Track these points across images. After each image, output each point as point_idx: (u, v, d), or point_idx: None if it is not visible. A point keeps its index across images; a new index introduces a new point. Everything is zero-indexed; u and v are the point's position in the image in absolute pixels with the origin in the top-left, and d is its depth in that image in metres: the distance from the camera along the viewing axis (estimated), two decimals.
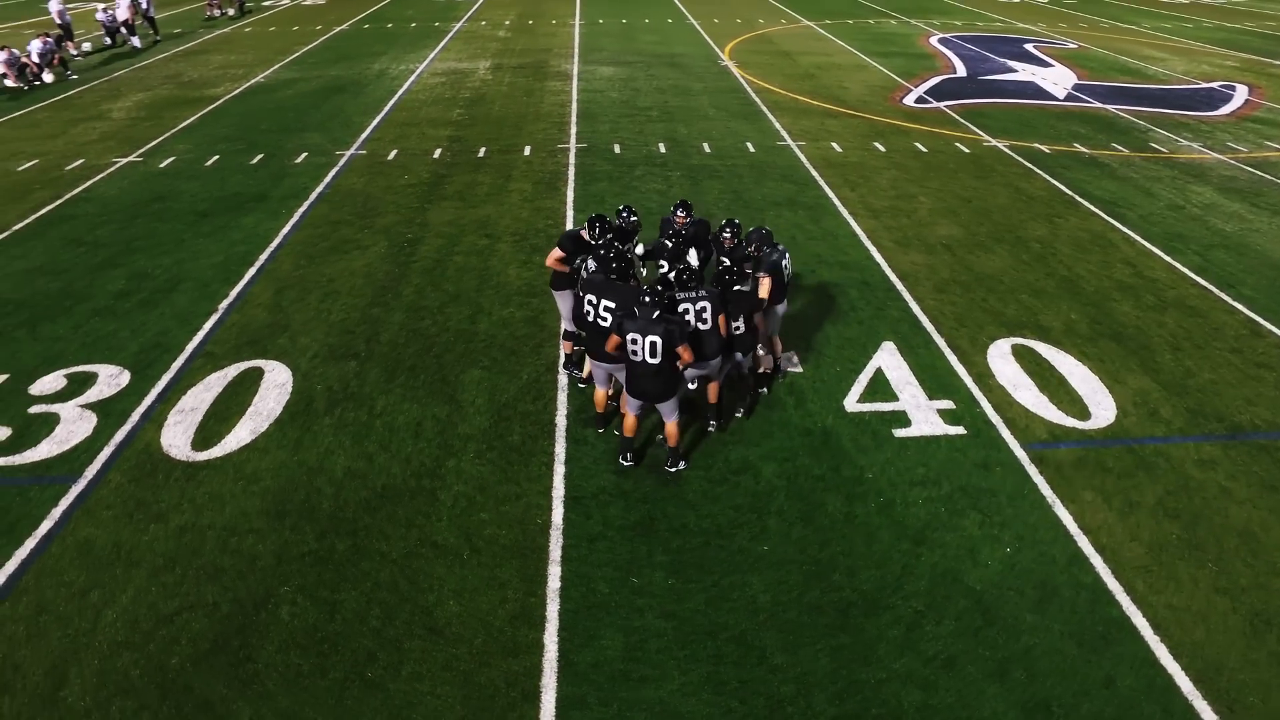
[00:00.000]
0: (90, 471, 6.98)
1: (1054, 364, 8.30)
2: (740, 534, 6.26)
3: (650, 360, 6.40)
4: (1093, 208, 12.13)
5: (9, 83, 19.28)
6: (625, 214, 7.87)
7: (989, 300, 9.47)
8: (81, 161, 14.34)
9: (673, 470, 6.90)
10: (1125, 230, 11.39)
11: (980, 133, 15.47)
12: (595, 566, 5.98)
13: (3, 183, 13.45)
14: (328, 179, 13.29)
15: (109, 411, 7.79)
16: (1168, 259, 10.59)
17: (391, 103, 17.51)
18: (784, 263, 7.46)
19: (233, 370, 8.40)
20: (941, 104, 17.30)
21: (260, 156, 14.36)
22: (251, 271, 10.34)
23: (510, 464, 6.98)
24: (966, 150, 14.47)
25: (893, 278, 9.97)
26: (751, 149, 14.41)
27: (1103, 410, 7.60)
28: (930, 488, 6.66)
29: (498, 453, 7.11)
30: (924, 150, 14.40)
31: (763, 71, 19.76)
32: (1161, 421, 7.47)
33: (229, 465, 7.05)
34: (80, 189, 13.15)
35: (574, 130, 15.46)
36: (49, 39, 20.19)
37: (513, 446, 7.18)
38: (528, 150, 14.43)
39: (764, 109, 16.70)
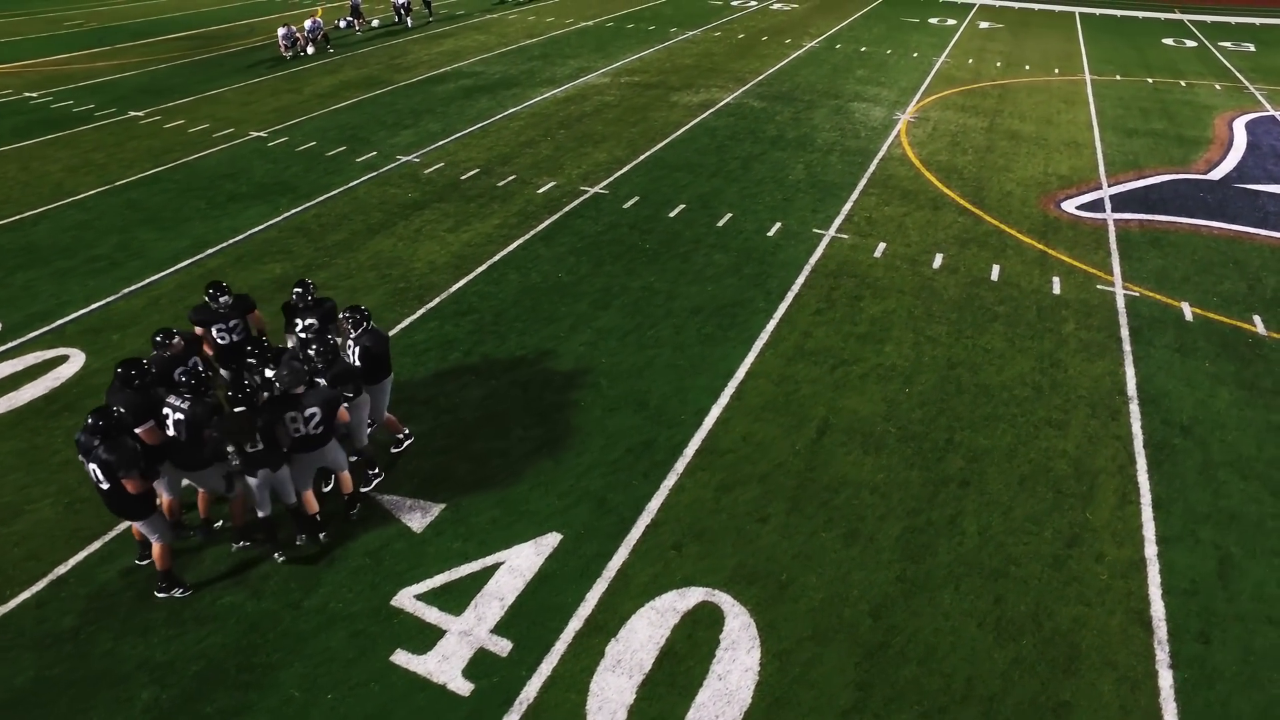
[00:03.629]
0: None
1: (721, 649, 5.72)
2: (104, 701, 5.48)
3: (100, 485, 5.87)
4: (1136, 424, 7.91)
5: (284, 53, 23.65)
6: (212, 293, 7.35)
7: (751, 518, 6.79)
8: (230, 131, 17.14)
9: (160, 595, 6.29)
10: (1141, 474, 7.24)
11: (1114, 269, 10.93)
12: None
13: (169, 140, 16.66)
14: (353, 183, 14.14)
15: None
16: (1154, 530, 6.52)
17: (508, 111, 17.91)
18: (290, 416, 6.28)
19: (52, 353, 9.51)
20: (1116, 215, 12.56)
21: (341, 150, 15.77)
22: (186, 263, 11.50)
23: (75, 525, 6.93)
24: (1055, 291, 10.35)
25: (691, 451, 7.65)
26: (773, 231, 12.00)
27: None
28: None
29: (78, 506, 7.09)
30: (990, 279, 10.65)
31: (931, 134, 16.20)
32: None
33: None
34: (199, 155, 15.75)
35: (621, 172, 14.33)
36: (318, 20, 24.27)
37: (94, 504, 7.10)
38: (547, 186, 13.76)
39: (862, 183, 13.73)
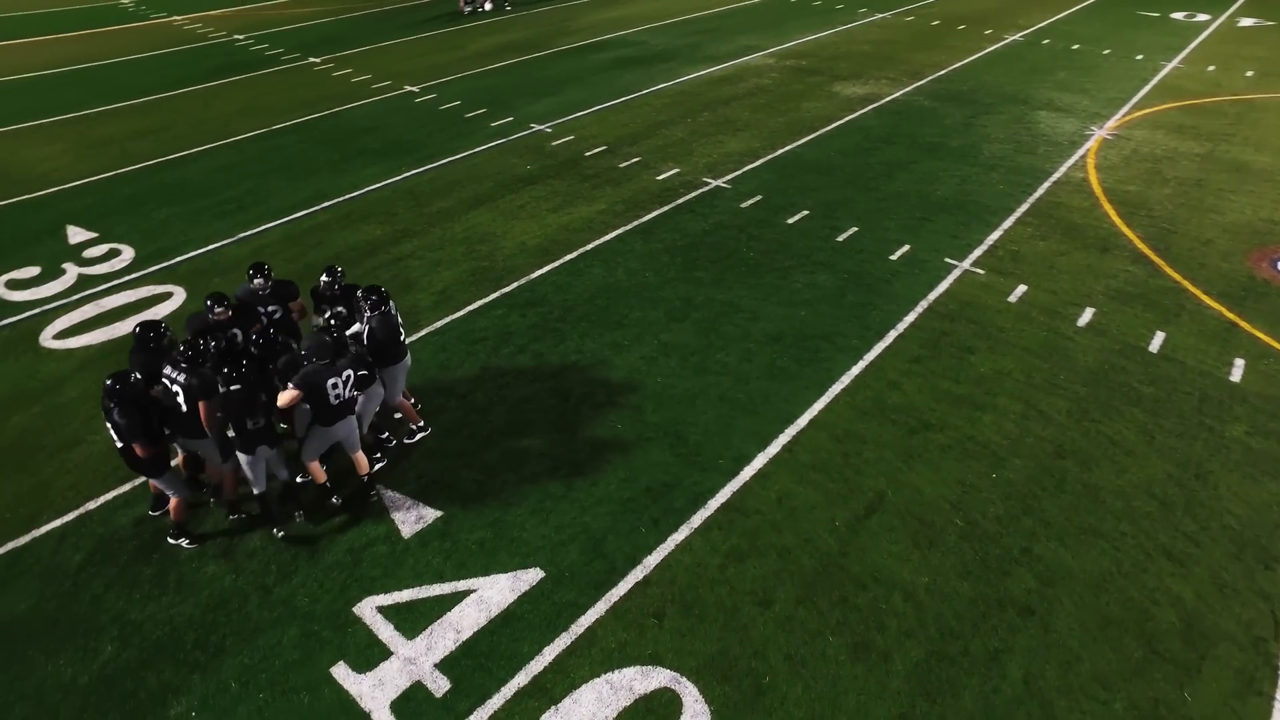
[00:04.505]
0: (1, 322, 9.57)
1: None
2: (72, 648, 5.72)
3: (117, 445, 6.28)
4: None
5: (463, 8, 24.33)
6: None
7: (752, 599, 5.92)
8: (387, 83, 17.82)
9: (170, 541, 6.64)
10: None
11: None
12: None
13: (331, 89, 17.58)
14: (478, 149, 14.19)
15: (81, 282, 10.35)
16: None
17: (656, 87, 17.27)
18: (331, 382, 6.29)
19: (161, 289, 10.23)
20: None
21: (480, 112, 15.91)
22: (298, 215, 12.02)
23: (116, 463, 7.36)
24: (1233, 377, 8.35)
25: (715, 504, 6.86)
26: (896, 255, 10.65)
27: None
28: None
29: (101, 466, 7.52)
30: (1146, 349, 8.79)
31: (1127, 158, 13.78)
32: None
33: (26, 354, 8.92)
34: (349, 106, 16.51)
35: (751, 166, 13.36)
36: None
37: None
38: (668, 173, 13.08)
39: (1020, 210, 11.90)
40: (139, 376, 6.18)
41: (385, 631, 5.84)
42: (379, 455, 7.31)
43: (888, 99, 16.60)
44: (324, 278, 7.27)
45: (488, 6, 24.40)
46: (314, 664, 5.63)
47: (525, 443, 7.55)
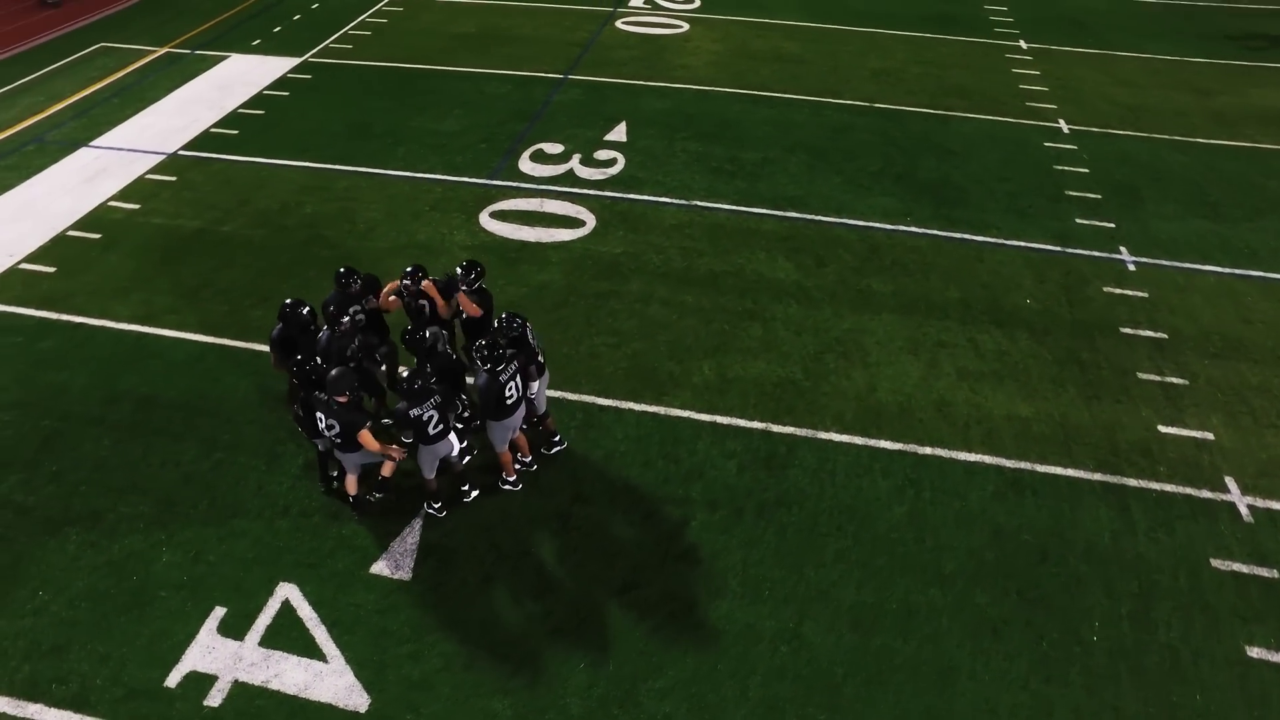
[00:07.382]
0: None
1: None
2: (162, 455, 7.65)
3: None
4: None
5: None
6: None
7: None
8: (1050, 107, 14.67)
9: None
10: None
11: None
12: None
13: (975, 80, 15.37)
14: (1005, 241, 11.07)
15: (565, 176, 12.00)
16: None
17: None
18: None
19: (584, 214, 11.24)
20: None
21: (1090, 197, 12.06)
22: (755, 211, 11.49)
23: None
24: None
25: None
26: None
27: None
28: None
29: None
30: None
31: None
32: None
33: (467, 216, 10.90)
34: (965, 115, 14.28)
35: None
36: None
37: None
38: (1187, 433, 8.29)
39: None
40: (309, 310, 7.11)
41: (264, 620, 6.34)
42: (466, 488, 7.38)
43: None
44: (502, 317, 7.01)
45: None
46: (218, 593, 6.51)
47: (536, 599, 6.58)
